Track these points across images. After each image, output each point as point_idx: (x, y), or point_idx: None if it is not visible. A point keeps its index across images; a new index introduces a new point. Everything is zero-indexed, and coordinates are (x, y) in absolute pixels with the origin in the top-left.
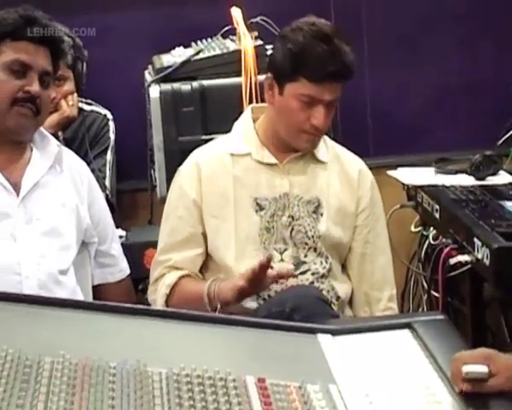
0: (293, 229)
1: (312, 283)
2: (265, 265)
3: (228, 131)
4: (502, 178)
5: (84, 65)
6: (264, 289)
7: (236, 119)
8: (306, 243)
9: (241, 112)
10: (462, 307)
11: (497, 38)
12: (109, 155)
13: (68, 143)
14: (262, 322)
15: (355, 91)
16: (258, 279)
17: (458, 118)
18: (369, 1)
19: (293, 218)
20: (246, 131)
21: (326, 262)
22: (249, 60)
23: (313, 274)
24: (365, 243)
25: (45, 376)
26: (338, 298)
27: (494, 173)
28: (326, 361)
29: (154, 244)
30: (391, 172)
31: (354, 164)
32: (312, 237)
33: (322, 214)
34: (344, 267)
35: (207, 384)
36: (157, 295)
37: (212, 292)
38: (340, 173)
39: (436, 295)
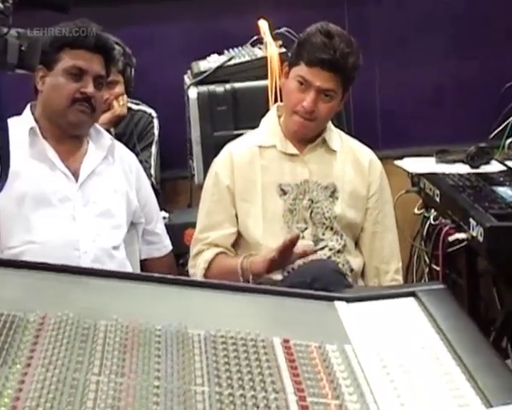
0: (312, 211)
1: (329, 257)
2: (294, 241)
3: (256, 126)
4: (494, 167)
5: (133, 70)
6: (289, 263)
7: (263, 116)
8: (324, 223)
9: (268, 110)
10: (458, 279)
11: (491, 42)
12: (154, 148)
13: (119, 137)
14: (286, 291)
15: (366, 92)
16: (286, 253)
17: (456, 114)
18: (380, 13)
19: (312, 201)
20: (271, 126)
21: (341, 239)
22: (274, 65)
23: (330, 250)
24: (375, 223)
25: (100, 337)
26: (352, 270)
27: (487, 163)
28: (342, 325)
29: (192, 224)
30: (397, 162)
31: (365, 154)
32: (329, 217)
33: (337, 198)
34: (356, 244)
35: (240, 344)
36: (196, 269)
37: (245, 266)
38: (353, 162)
39: (436, 268)
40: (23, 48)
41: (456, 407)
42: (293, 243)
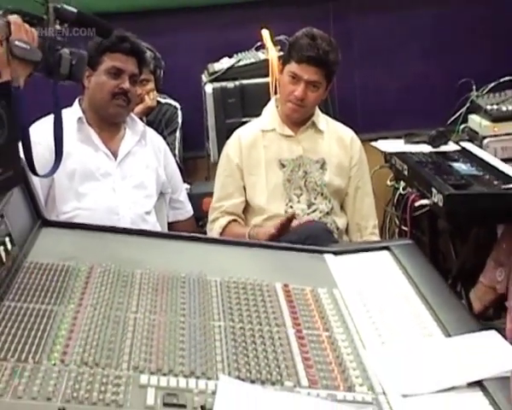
0: (306, 180)
1: (320, 218)
2: (290, 219)
3: (259, 114)
4: (450, 147)
5: (161, 71)
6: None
7: (265, 106)
8: (316, 190)
9: (268, 101)
10: (422, 237)
11: (449, 49)
12: (178, 134)
13: (150, 124)
14: (285, 246)
15: (348, 88)
16: (284, 229)
17: (420, 105)
18: (359, 24)
19: (306, 172)
20: (271, 114)
21: (329, 203)
22: (274, 66)
23: (320, 212)
24: (356, 189)
25: (137, 283)
26: (337, 229)
27: (445, 143)
28: (330, 273)
29: (209, 194)
30: (373, 143)
31: (347, 133)
32: (320, 185)
33: (326, 169)
34: (341, 207)
35: (248, 288)
36: (213, 233)
37: (251, 235)
38: (337, 140)
39: (405, 228)
40: (73, 62)
41: (421, 336)
42: (289, 220)
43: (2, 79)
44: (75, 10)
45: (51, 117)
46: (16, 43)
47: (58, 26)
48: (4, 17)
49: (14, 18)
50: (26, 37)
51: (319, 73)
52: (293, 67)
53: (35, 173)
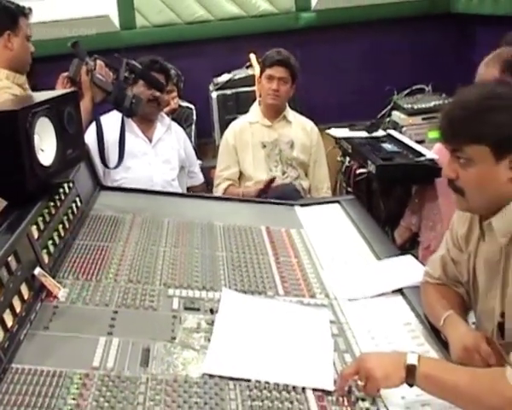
0: (280, 156)
1: (291, 182)
2: (272, 180)
3: (247, 111)
4: (380, 133)
5: (182, 84)
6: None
7: (251, 106)
8: (287, 163)
9: (254, 102)
10: (361, 195)
11: (378, 64)
12: (193, 126)
13: (174, 120)
14: (267, 200)
15: (309, 91)
16: (267, 188)
17: (360, 105)
18: (318, 49)
19: (280, 150)
20: (256, 111)
21: (297, 171)
22: (258, 79)
23: (291, 178)
24: (315, 162)
25: (165, 227)
26: (303, 189)
27: (376, 131)
28: (298, 219)
29: (214, 167)
30: (327, 131)
31: (308, 123)
32: (290, 159)
33: (294, 148)
34: (306, 174)
35: (242, 230)
36: (217, 193)
37: (245, 193)
38: (301, 128)
39: (350, 190)
40: (133, 101)
41: (361, 259)
42: (271, 181)
43: (84, 98)
44: (140, 66)
45: (109, 116)
46: (97, 75)
47: (127, 74)
48: (94, 60)
49: (99, 61)
50: (104, 74)
51: (286, 72)
52: (267, 71)
53: (106, 165)
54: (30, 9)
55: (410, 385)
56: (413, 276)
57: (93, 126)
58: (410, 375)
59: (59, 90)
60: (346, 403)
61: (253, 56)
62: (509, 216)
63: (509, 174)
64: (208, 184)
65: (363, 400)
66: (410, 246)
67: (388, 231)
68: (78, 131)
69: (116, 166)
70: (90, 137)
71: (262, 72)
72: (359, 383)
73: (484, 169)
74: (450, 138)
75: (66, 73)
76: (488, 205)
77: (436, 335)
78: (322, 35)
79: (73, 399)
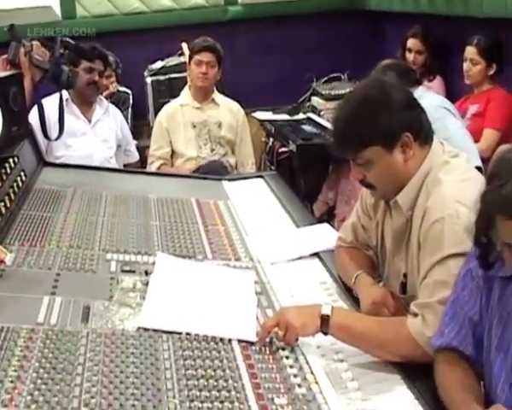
0: (209, 135)
1: (219, 159)
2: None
3: (179, 95)
4: (300, 116)
5: (120, 70)
6: None
7: (182, 89)
8: (216, 141)
9: (185, 86)
10: (284, 173)
11: (300, 55)
12: (130, 110)
13: (112, 102)
14: (197, 176)
15: (237, 76)
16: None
17: (283, 90)
18: (244, 38)
19: (209, 130)
20: (186, 94)
21: (224, 149)
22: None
23: (219, 155)
24: (241, 140)
25: (103, 200)
26: (230, 165)
27: (297, 114)
28: (226, 192)
29: (149, 147)
30: (253, 114)
31: (235, 105)
32: (218, 138)
33: (222, 128)
34: (232, 151)
35: (175, 202)
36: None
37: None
38: (229, 110)
39: (273, 168)
40: (70, 74)
41: (282, 228)
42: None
43: (25, 78)
44: (73, 42)
45: (50, 98)
46: (34, 55)
47: (62, 51)
48: (30, 41)
49: (35, 42)
50: (41, 53)
51: (213, 57)
52: (196, 57)
53: (47, 138)
54: None
55: (325, 333)
56: (328, 241)
57: (36, 107)
58: (325, 324)
59: (3, 72)
60: (267, 352)
61: (184, 45)
62: (411, 191)
63: (403, 157)
64: (143, 162)
65: (283, 349)
66: (327, 219)
67: (308, 205)
68: (22, 109)
69: (57, 138)
70: (33, 117)
71: (191, 58)
72: (280, 333)
73: (383, 163)
74: (344, 152)
75: (5, 56)
76: (396, 188)
77: (349, 292)
78: (248, 27)
79: (21, 351)
